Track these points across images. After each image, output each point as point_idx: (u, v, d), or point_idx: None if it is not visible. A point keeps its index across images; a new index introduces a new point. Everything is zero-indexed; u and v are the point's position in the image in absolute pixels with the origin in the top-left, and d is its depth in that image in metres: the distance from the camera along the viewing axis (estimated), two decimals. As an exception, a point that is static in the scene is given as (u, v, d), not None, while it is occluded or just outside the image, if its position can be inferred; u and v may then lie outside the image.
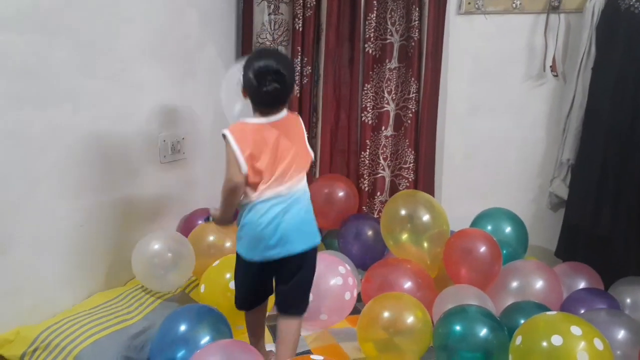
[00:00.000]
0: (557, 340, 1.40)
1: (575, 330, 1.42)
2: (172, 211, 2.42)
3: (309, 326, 1.95)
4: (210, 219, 1.63)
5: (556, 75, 2.45)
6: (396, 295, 1.79)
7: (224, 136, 1.47)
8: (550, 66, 2.44)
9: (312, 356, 1.26)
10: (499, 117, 2.59)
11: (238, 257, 1.57)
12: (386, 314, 1.69)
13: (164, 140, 2.27)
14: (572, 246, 2.36)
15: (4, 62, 1.55)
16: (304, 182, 1.56)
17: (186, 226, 2.38)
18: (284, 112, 1.54)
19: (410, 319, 1.67)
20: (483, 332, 1.59)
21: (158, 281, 1.88)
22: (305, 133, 1.61)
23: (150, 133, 2.19)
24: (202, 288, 1.85)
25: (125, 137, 2.06)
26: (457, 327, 1.62)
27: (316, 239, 1.57)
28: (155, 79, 2.20)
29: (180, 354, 1.47)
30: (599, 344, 1.40)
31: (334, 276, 1.90)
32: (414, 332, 1.67)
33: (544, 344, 1.42)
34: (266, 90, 1.45)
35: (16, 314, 1.64)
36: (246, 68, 1.49)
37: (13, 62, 1.58)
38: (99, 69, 1.90)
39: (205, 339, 1.50)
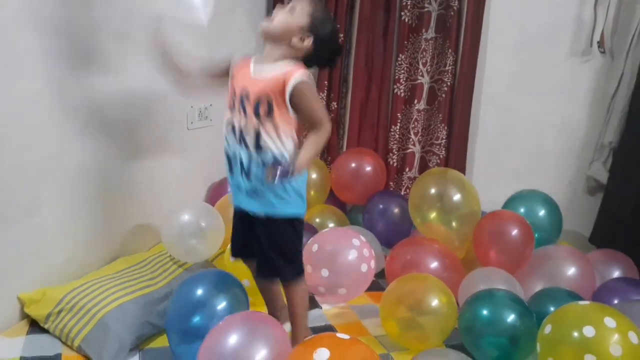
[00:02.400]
0: (589, 331, 1.34)
1: (609, 321, 1.35)
2: (199, 178, 2.42)
3: (329, 300, 1.94)
4: (290, 173, 1.30)
5: (603, 52, 2.30)
6: (422, 277, 1.74)
7: (301, 82, 1.36)
8: (598, 41, 2.28)
9: (337, 334, 1.23)
10: (539, 94, 2.46)
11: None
12: (411, 295, 1.66)
13: (191, 107, 2.24)
14: (607, 233, 2.27)
15: (37, 19, 1.53)
16: None
17: (214, 194, 2.37)
18: None
19: (434, 302, 1.63)
20: (511, 317, 1.55)
21: (187, 252, 1.87)
22: None
23: (177, 99, 2.17)
24: (232, 259, 1.82)
25: (154, 102, 2.04)
26: (484, 311, 1.58)
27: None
28: (184, 43, 2.15)
29: (196, 319, 1.45)
30: (633, 337, 1.34)
31: (349, 249, 1.88)
32: (438, 314, 1.63)
33: (575, 334, 1.36)
34: (338, 53, 1.53)
35: (43, 274, 1.66)
36: (324, 20, 1.44)
37: (45, 20, 1.55)
38: (131, 30, 1.86)
39: (221, 305, 1.48)
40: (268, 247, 1.49)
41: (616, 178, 2.24)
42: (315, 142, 1.37)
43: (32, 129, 1.57)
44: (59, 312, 1.55)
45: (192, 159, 2.30)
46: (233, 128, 1.43)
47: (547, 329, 1.44)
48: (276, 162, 1.36)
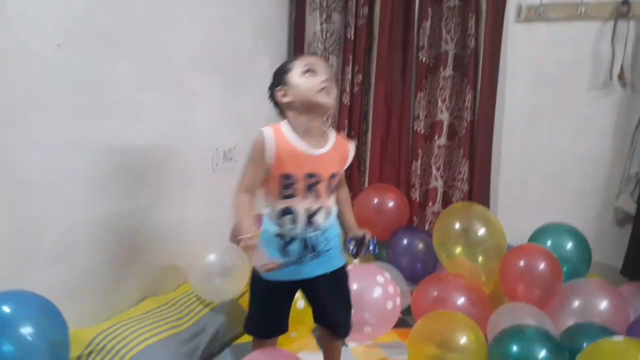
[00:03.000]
0: (626, 367, 1.31)
1: (647, 358, 1.31)
2: (224, 219, 2.45)
3: (355, 338, 1.92)
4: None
5: (625, 85, 2.31)
6: (449, 314, 1.72)
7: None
8: (618, 75, 2.30)
9: None
10: (561, 128, 2.47)
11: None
12: (438, 333, 1.64)
13: (216, 149, 2.30)
14: (639, 264, 2.21)
15: (66, 76, 1.61)
16: None
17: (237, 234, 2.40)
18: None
19: (463, 339, 1.60)
20: (542, 353, 1.51)
21: (213, 291, 1.89)
22: None
23: (203, 142, 2.23)
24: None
25: (179, 147, 2.10)
26: (514, 348, 1.55)
27: None
28: (208, 90, 2.24)
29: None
30: (671, 373, 1.29)
31: (373, 286, 1.87)
32: (467, 352, 1.60)
33: None
34: None
35: (72, 317, 1.68)
36: None
37: (74, 76, 1.63)
38: (155, 81, 1.94)
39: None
40: (337, 301, 1.49)
41: (645, 209, 2.20)
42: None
43: (61, 177, 1.62)
44: (89, 354, 1.56)
45: (217, 199, 2.34)
46: (294, 215, 1.36)
47: None
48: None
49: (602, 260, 2.37)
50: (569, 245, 2.16)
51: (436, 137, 2.58)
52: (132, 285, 1.93)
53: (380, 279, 1.91)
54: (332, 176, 1.39)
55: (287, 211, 1.35)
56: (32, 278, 1.55)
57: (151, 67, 1.92)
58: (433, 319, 1.71)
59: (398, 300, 1.92)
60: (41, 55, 1.52)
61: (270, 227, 1.39)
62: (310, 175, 1.34)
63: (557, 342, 1.57)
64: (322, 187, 1.36)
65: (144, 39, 1.87)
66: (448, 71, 2.54)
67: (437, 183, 2.61)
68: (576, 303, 1.87)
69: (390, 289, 1.90)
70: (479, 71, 2.47)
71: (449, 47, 2.53)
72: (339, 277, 1.48)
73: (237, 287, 1.95)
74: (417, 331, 1.70)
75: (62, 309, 1.64)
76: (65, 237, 1.65)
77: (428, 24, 2.51)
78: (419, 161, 2.61)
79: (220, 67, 2.29)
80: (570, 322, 1.79)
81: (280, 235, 1.37)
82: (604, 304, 1.82)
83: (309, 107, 1.34)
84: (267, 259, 1.30)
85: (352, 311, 1.82)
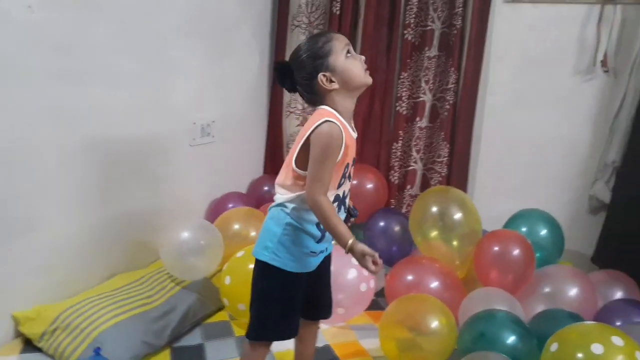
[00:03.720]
0: (597, 348, 1.32)
1: (617, 340, 1.33)
2: (201, 194, 2.41)
3: (329, 321, 1.92)
4: None
5: (607, 71, 2.29)
6: (422, 297, 1.73)
7: None
8: (601, 61, 2.28)
9: None
10: (542, 112, 2.45)
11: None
12: (410, 316, 1.64)
13: (194, 123, 2.25)
14: (610, 253, 2.24)
15: (42, 39, 1.54)
16: (277, 192, 1.34)
17: (215, 210, 2.37)
18: (316, 109, 1.30)
19: (434, 323, 1.62)
20: (511, 339, 1.53)
21: (186, 269, 1.86)
22: (303, 137, 1.24)
23: (181, 115, 2.18)
24: (227, 280, 1.81)
25: (157, 119, 2.05)
26: (484, 332, 1.56)
27: (255, 248, 1.34)
28: (188, 59, 2.17)
29: None
30: (640, 358, 1.31)
31: (348, 268, 1.87)
32: (438, 335, 1.62)
33: (583, 352, 1.33)
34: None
35: (38, 292, 1.66)
36: None
37: (51, 39, 1.57)
38: (134, 47, 1.88)
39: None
40: (329, 281, 1.49)
41: (619, 198, 2.22)
42: None
43: (32, 146, 1.57)
44: (54, 330, 1.54)
45: (193, 175, 2.30)
46: (340, 200, 1.31)
47: (553, 347, 1.42)
48: None
49: (574, 247, 2.39)
50: (543, 232, 2.16)
51: (418, 118, 2.54)
52: (102, 261, 1.90)
53: (354, 260, 1.90)
54: (355, 160, 1.35)
55: (336, 198, 1.28)
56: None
57: (130, 33, 1.86)
58: (405, 302, 1.72)
59: (372, 283, 1.93)
60: (12, 16, 1.45)
61: (306, 218, 1.27)
62: (354, 160, 1.32)
63: (526, 328, 1.59)
64: (352, 170, 1.33)
65: (123, 2, 1.80)
66: (433, 51, 2.49)
67: (417, 166, 2.60)
68: (547, 289, 1.89)
69: (365, 271, 1.89)
70: (464, 52, 2.42)
71: (435, 26, 2.47)
72: (330, 256, 1.47)
73: (211, 265, 1.92)
74: (388, 314, 1.71)
75: (26, 284, 1.62)
76: (31, 210, 1.60)
77: (415, 0, 2.45)
78: (399, 143, 2.58)
79: (201, 35, 2.22)
80: (540, 308, 1.82)
81: (319, 224, 1.27)
82: (573, 291, 1.85)
83: (354, 90, 1.27)
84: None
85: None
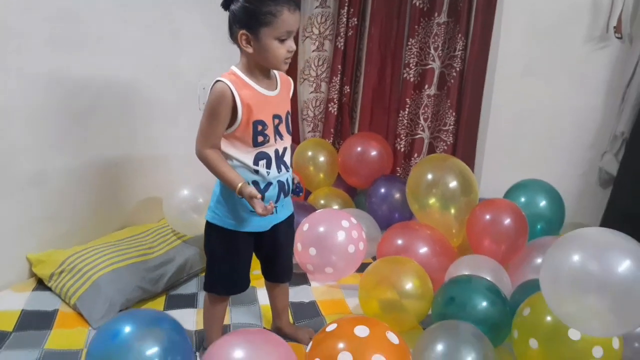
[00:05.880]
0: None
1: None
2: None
3: (318, 279, 2.01)
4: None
5: (620, 37, 2.19)
6: (402, 260, 1.77)
7: None
8: (615, 27, 2.18)
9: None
10: (553, 81, 2.38)
11: None
12: (387, 278, 1.69)
13: (203, 88, 2.34)
14: (615, 228, 2.18)
15: (43, 6, 1.65)
16: None
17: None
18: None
19: (409, 285, 1.66)
20: (482, 304, 1.55)
21: (186, 225, 1.99)
22: None
23: (188, 80, 2.27)
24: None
25: (164, 84, 2.14)
26: (454, 297, 1.60)
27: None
28: (195, 26, 2.25)
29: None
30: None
31: (337, 230, 1.93)
32: (412, 297, 1.66)
33: (552, 317, 1.35)
34: None
35: (51, 238, 1.84)
36: None
37: (52, 6, 1.67)
38: (140, 15, 1.96)
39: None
40: (288, 246, 1.55)
41: (626, 171, 2.15)
42: None
43: (39, 105, 1.71)
44: (61, 272, 1.71)
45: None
46: (268, 159, 1.34)
47: (526, 311, 1.44)
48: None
49: (583, 220, 2.34)
50: (543, 202, 2.13)
51: (426, 86, 2.53)
52: (112, 214, 2.06)
53: (345, 223, 1.97)
54: (288, 114, 1.39)
55: (260, 155, 1.32)
56: (10, 199, 1.68)
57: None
58: (384, 264, 1.77)
59: (362, 245, 1.98)
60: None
61: (243, 175, 1.31)
62: (275, 116, 1.34)
63: (501, 295, 1.60)
64: (283, 127, 1.36)
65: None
66: (443, 17, 2.46)
67: (424, 134, 2.60)
68: (538, 260, 1.88)
69: (354, 234, 1.96)
70: (472, 18, 2.38)
71: (445, -9, 2.44)
72: (291, 221, 1.52)
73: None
74: (367, 275, 1.76)
75: (40, 230, 1.79)
76: (39, 163, 1.75)
77: (426, -36, 2.42)
78: (406, 111, 2.59)
79: (208, 2, 2.28)
80: (529, 279, 1.82)
81: (255, 183, 1.32)
82: (565, 263, 1.83)
83: (264, 65, 1.31)
84: (263, 202, 1.28)
85: (316, 251, 1.92)
